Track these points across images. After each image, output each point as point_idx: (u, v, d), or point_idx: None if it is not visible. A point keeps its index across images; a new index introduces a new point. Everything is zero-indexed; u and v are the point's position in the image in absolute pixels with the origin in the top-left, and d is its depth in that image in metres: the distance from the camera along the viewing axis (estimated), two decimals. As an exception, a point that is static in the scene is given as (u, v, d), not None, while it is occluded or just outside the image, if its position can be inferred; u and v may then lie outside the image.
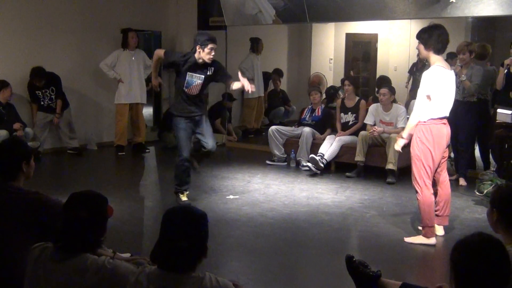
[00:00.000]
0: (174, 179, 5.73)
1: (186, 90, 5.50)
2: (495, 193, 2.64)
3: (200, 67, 5.48)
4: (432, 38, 4.43)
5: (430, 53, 4.47)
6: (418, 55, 5.42)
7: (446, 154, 4.69)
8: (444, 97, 4.45)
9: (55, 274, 2.31)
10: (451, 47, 7.89)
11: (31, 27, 8.05)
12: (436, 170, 4.55)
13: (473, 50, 6.44)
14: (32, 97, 7.91)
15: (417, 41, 4.59)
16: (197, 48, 5.39)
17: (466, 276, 1.96)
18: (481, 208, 5.56)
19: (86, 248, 2.36)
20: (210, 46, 5.35)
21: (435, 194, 4.62)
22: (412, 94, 8.32)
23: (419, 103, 4.46)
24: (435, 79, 4.40)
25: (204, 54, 5.37)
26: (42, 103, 7.87)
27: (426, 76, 4.44)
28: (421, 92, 4.45)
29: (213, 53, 5.40)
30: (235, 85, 5.50)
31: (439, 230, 4.74)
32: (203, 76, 5.50)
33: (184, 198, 5.67)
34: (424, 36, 4.48)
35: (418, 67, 8.13)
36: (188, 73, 5.45)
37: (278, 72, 10.80)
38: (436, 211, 4.64)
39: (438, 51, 4.47)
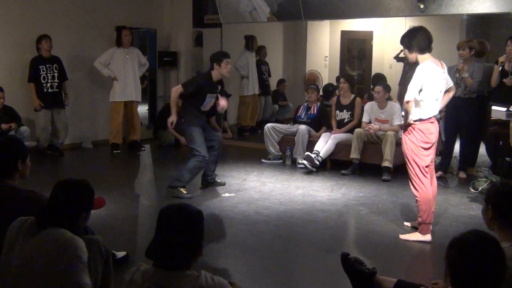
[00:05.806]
0: (182, 174, 5.78)
1: (201, 108, 5.84)
2: (490, 190, 2.65)
3: (214, 86, 5.84)
4: (414, 40, 4.45)
5: (416, 55, 4.49)
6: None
7: (434, 152, 4.64)
8: (433, 98, 4.46)
9: (29, 245, 2.39)
10: (446, 45, 7.92)
11: (25, 25, 8.01)
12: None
13: (473, 46, 6.45)
14: (34, 73, 7.61)
15: None
16: (214, 65, 5.76)
17: (461, 273, 1.97)
18: (476, 205, 5.58)
19: (66, 224, 2.46)
20: (225, 60, 5.75)
21: None
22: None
23: (410, 92, 4.37)
24: (427, 74, 4.38)
25: (222, 69, 5.76)
26: (43, 81, 7.59)
27: (419, 70, 4.41)
28: (414, 85, 4.38)
29: (229, 66, 5.84)
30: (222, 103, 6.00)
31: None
32: (215, 95, 5.88)
33: (185, 191, 5.81)
34: (405, 41, 4.53)
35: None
36: (208, 94, 5.79)
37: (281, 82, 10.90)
38: None
39: (423, 51, 4.46)
